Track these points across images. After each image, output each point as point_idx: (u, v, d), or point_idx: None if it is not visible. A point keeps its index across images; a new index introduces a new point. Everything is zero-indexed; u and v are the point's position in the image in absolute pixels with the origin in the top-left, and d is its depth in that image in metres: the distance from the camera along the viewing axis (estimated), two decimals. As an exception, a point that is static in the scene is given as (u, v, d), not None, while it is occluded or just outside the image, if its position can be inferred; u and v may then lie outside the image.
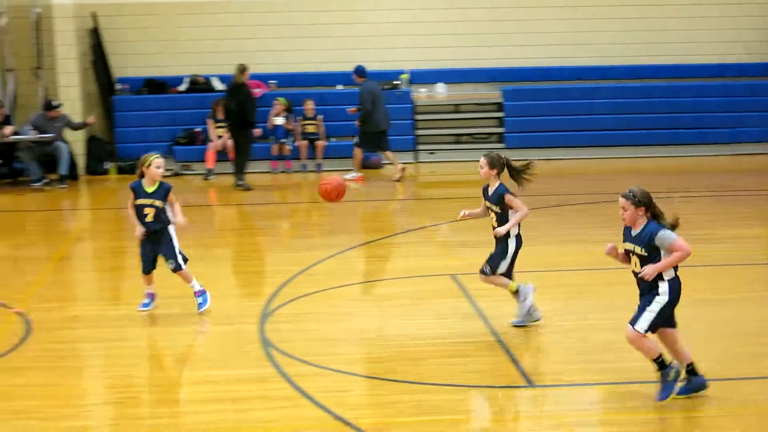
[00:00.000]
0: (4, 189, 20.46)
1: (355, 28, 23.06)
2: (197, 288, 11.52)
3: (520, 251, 10.64)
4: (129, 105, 22.43)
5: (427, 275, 12.80)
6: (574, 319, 11.08)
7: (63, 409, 8.93)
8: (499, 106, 22.86)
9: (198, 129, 21.94)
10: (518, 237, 10.60)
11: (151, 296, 11.69)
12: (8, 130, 20.34)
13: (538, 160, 21.47)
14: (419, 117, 22.80)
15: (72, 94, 21.66)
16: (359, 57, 22.26)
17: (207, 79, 22.63)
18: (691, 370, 8.59)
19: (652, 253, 8.38)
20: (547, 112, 22.63)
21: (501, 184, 10.54)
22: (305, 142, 21.59)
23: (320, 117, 21.77)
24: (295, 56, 23.07)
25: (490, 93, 23.07)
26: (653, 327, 8.43)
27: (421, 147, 22.65)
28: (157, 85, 22.61)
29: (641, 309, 8.46)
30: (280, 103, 21.70)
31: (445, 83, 23.05)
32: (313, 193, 19.58)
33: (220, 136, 21.33)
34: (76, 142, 21.23)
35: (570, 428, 8.25)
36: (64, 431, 8.48)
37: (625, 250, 8.64)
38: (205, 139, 21.66)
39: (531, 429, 8.41)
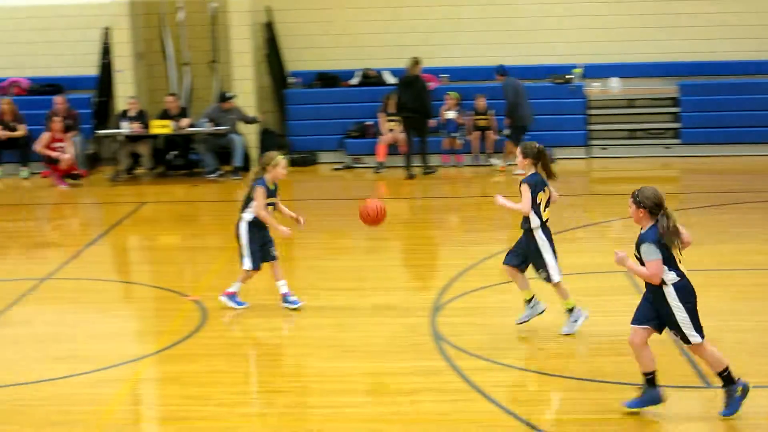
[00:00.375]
0: (179, 180, 20.89)
1: (524, 22, 22.79)
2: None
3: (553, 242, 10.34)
4: (301, 98, 22.64)
5: (601, 272, 12.55)
6: (753, 319, 10.73)
7: (237, 396, 9.04)
8: (675, 101, 22.30)
9: (369, 122, 22.00)
10: (544, 230, 10.28)
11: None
12: (184, 122, 20.76)
13: (715, 156, 21.32)
14: (592, 112, 22.40)
15: (246, 87, 21.97)
16: (528, 51, 22.05)
17: (379, 72, 22.69)
18: (651, 380, 8.28)
19: (641, 259, 8.16)
20: (726, 107, 21.99)
21: (531, 174, 10.25)
22: (477, 133, 21.44)
23: (491, 111, 21.59)
24: (466, 50, 22.93)
25: (666, 88, 22.52)
26: (699, 330, 8.12)
27: (593, 142, 22.25)
28: (329, 79, 22.77)
29: (675, 325, 8.13)
30: (451, 97, 21.61)
31: (619, 77, 22.58)
32: (484, 187, 19.53)
33: (391, 130, 21.37)
34: (249, 134, 21.53)
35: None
36: (239, 417, 8.58)
37: None
38: (376, 133, 21.72)
39: (708, 430, 8.15)
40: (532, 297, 10.51)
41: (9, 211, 19.23)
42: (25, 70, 23.29)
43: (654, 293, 8.17)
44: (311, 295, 11.88)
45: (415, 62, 20.35)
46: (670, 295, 8.07)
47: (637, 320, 8.26)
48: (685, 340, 8.17)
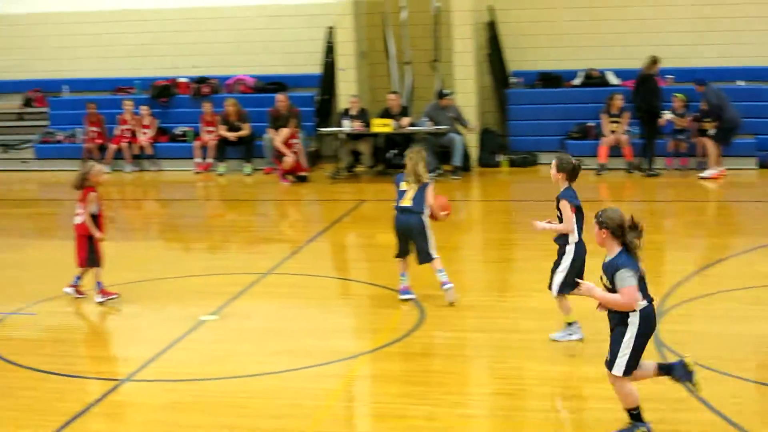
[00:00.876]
0: (399, 178, 20.95)
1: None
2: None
3: (582, 266, 9.91)
4: (522, 98, 22.41)
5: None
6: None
7: (455, 397, 8.94)
8: None
9: (591, 123, 21.59)
10: (577, 247, 9.88)
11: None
12: (405, 121, 20.83)
13: None
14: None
15: (467, 87, 21.88)
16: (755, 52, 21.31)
17: (602, 73, 22.24)
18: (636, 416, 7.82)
19: (616, 287, 7.62)
20: None
21: (565, 189, 9.94)
22: (704, 139, 20.76)
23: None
24: (692, 51, 22.22)
25: None
26: (630, 368, 7.66)
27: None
28: (551, 79, 22.44)
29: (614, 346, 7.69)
30: (678, 99, 20.98)
31: None
32: (709, 192, 18.90)
33: (613, 131, 20.93)
34: (469, 134, 21.44)
35: None
36: (456, 418, 8.47)
37: None
38: (598, 134, 21.29)
39: None
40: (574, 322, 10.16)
41: (233, 206, 19.71)
42: (250, 68, 23.84)
43: (617, 317, 7.71)
44: (529, 297, 11.68)
45: (653, 61, 20.10)
46: (634, 323, 7.62)
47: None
48: (609, 364, 7.72)
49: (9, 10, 24.89)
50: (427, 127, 20.63)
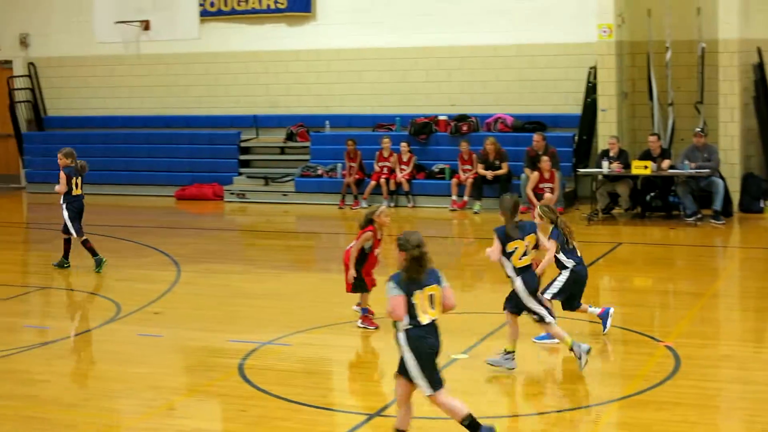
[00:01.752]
0: (657, 222, 20.50)
1: None
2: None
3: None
4: None
5: None
6: None
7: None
8: None
9: None
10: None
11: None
12: (665, 163, 20.36)
13: None
14: None
15: (731, 130, 21.22)
16: None
17: None
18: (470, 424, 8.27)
19: None
20: None
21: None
22: None
23: None
24: None
25: None
26: (435, 383, 8.23)
27: None
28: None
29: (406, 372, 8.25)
30: None
31: None
32: None
33: None
34: (730, 178, 20.80)
35: None
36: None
37: None
38: None
39: None
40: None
41: (487, 244, 19.65)
42: (510, 107, 23.86)
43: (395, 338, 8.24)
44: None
45: None
46: (401, 339, 8.18)
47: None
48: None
49: (279, 46, 25.79)
50: (688, 169, 20.10)
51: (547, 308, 11.04)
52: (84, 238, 16.50)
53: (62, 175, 16.38)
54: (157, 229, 21.17)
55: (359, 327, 12.52)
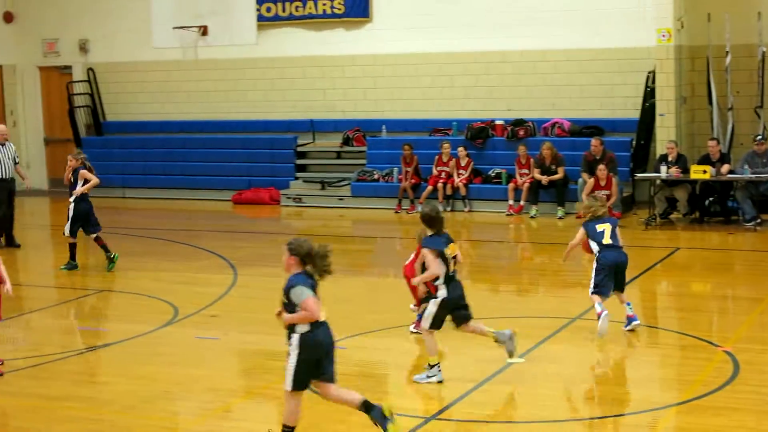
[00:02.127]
0: (715, 227, 20.30)
1: None
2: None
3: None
4: None
5: None
6: None
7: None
8: None
9: None
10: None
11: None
12: (724, 168, 20.17)
13: None
14: None
15: (792, 135, 21.03)
16: None
17: None
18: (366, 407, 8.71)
19: (291, 304, 8.47)
20: None
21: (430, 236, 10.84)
22: None
23: None
24: None
25: None
26: (298, 384, 8.56)
27: None
28: None
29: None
30: None
31: None
32: None
33: None
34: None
35: None
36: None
37: None
38: None
39: None
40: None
41: (543, 249, 19.63)
42: (567, 112, 23.76)
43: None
44: None
45: None
46: (293, 342, 8.52)
47: None
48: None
49: (336, 51, 25.85)
50: (747, 174, 19.90)
51: None
52: (96, 235, 17.00)
53: (85, 172, 16.93)
54: (214, 233, 21.30)
55: (411, 333, 12.46)
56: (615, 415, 9.59)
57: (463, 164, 23.15)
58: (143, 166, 26.91)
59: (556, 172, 22.12)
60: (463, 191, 23.02)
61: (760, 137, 20.48)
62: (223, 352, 12.29)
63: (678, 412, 9.70)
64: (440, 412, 9.82)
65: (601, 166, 21.04)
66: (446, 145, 23.33)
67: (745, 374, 10.61)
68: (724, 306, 14.69)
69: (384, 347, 12.35)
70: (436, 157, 23.36)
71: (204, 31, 26.71)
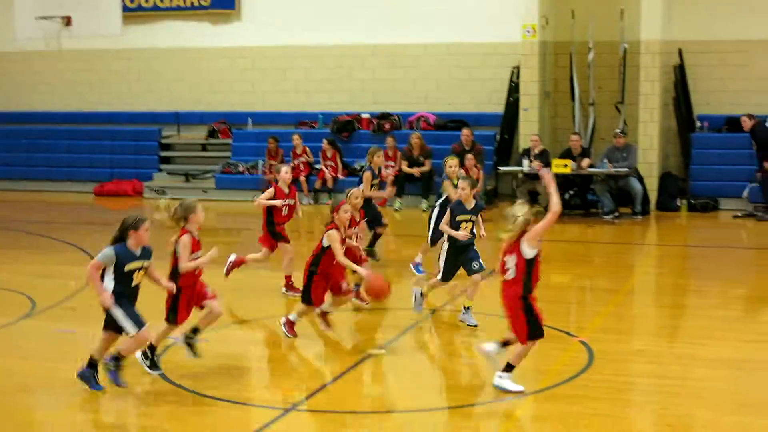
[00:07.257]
0: (575, 219, 20.67)
1: None
2: None
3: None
4: (707, 143, 21.92)
5: None
6: None
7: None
8: None
9: (779, 170, 20.90)
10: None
11: None
12: (584, 162, 20.56)
13: None
14: None
15: (650, 130, 21.50)
16: None
17: (792, 119, 21.54)
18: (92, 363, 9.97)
19: None
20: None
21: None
22: None
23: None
24: None
25: None
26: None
27: None
28: (739, 124, 21.79)
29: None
30: None
31: None
32: None
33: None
34: (649, 177, 21.06)
35: None
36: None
37: None
38: (785, 180, 20.60)
39: None
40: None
41: (408, 241, 19.71)
42: (432, 106, 23.94)
43: None
44: (700, 345, 11.32)
45: None
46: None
47: None
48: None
49: (202, 44, 25.63)
50: (607, 168, 20.31)
51: None
52: None
53: None
54: (75, 225, 20.96)
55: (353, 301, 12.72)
56: (471, 405, 9.67)
57: (329, 155, 23.15)
58: (6, 158, 26.38)
59: (422, 164, 22.26)
60: (330, 184, 23.02)
61: (619, 131, 20.93)
62: (82, 345, 12.05)
63: (535, 401, 9.82)
64: (301, 402, 9.78)
65: (469, 155, 21.21)
66: (296, 137, 23.39)
67: (599, 363, 10.81)
68: (582, 297, 14.97)
69: (247, 339, 12.27)
70: (292, 150, 23.38)
71: (68, 21, 26.18)
